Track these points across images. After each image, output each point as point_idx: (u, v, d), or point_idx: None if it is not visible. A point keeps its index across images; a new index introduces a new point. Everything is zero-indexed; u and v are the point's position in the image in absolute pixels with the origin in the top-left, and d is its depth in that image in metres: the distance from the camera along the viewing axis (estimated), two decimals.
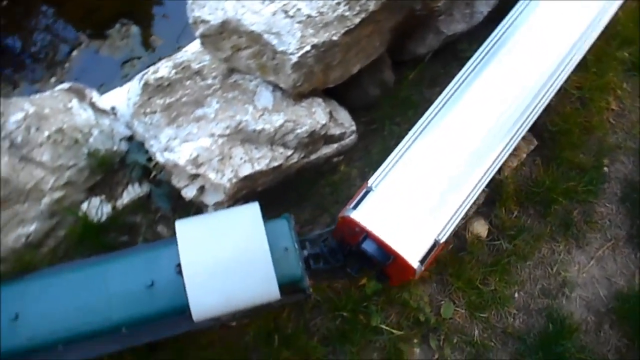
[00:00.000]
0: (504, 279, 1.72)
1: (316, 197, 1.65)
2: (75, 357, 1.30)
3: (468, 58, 1.84)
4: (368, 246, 1.30)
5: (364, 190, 1.32)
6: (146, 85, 1.60)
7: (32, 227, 1.43)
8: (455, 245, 1.72)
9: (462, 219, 1.71)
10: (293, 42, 1.23)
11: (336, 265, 1.47)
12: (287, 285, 1.28)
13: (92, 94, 1.60)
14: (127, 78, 1.99)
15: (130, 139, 1.59)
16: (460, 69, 1.59)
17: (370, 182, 1.33)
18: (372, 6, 1.28)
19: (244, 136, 1.32)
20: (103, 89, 1.86)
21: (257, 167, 1.31)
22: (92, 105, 1.57)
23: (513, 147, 1.47)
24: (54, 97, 1.48)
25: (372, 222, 1.28)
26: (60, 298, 1.25)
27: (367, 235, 1.28)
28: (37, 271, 1.36)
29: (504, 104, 1.48)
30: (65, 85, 1.59)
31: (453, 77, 1.60)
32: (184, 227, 1.23)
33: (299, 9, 1.23)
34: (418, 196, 1.33)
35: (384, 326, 1.57)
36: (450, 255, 1.70)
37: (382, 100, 1.71)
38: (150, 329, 1.29)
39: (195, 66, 1.56)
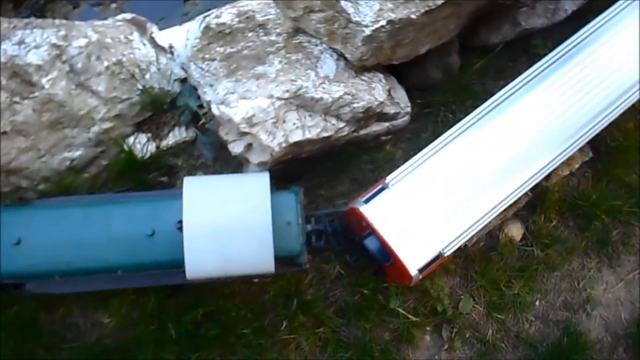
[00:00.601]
0: (528, 285, 1.70)
1: (356, 172, 1.63)
2: (70, 289, 1.34)
3: (539, 55, 1.75)
4: (371, 243, 1.28)
5: (379, 186, 1.28)
6: (207, 29, 1.57)
7: (77, 153, 1.45)
8: (486, 243, 1.70)
9: (498, 219, 1.69)
10: (369, 14, 1.18)
11: (336, 248, 1.46)
12: (284, 259, 1.29)
13: (153, 28, 1.58)
14: (187, 17, 1.95)
15: (183, 81, 1.58)
16: (529, 66, 1.52)
17: (388, 178, 1.28)
18: None
19: (300, 102, 1.29)
20: (162, 23, 1.83)
21: (308, 135, 1.29)
22: (152, 41, 1.55)
23: (560, 161, 1.40)
24: (116, 27, 1.47)
25: (380, 220, 1.25)
26: (63, 231, 1.27)
27: (372, 231, 1.26)
28: (46, 199, 1.37)
29: (566, 114, 1.40)
30: (128, 16, 1.57)
31: (519, 72, 1.53)
32: (191, 185, 1.22)
33: None
34: (433, 203, 1.28)
35: (401, 310, 1.58)
36: (480, 252, 1.68)
37: (442, 84, 1.65)
38: (145, 275, 1.31)
39: (259, 18, 1.52)
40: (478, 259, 1.67)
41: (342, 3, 1.18)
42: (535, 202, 1.72)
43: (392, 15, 1.18)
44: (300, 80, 1.28)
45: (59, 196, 1.47)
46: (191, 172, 1.60)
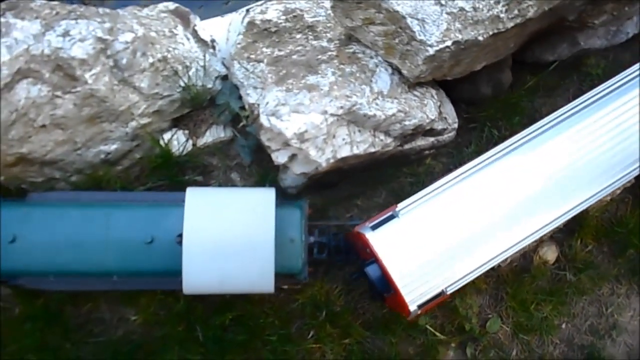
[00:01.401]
0: (557, 309, 1.69)
1: (394, 184, 1.60)
2: (64, 287, 1.31)
3: (591, 75, 1.70)
4: (372, 271, 1.23)
5: (389, 214, 1.22)
6: (251, 24, 1.51)
7: (113, 146, 1.41)
8: (519, 264, 1.68)
9: (531, 245, 1.66)
10: (435, 34, 1.12)
11: (336, 263, 1.42)
12: (284, 275, 1.26)
13: (196, 21, 1.52)
14: (228, 6, 1.88)
15: (224, 78, 1.53)
16: (579, 85, 1.46)
17: (399, 207, 1.23)
18: (531, 13, 1.14)
19: (352, 118, 1.24)
20: (201, 12, 1.77)
21: (356, 151, 1.24)
22: (195, 34, 1.49)
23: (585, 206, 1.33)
24: (161, 19, 1.41)
25: (385, 250, 1.20)
26: (60, 230, 1.23)
27: (375, 260, 1.21)
28: (45, 194, 1.33)
29: (611, 151, 1.33)
30: (171, 5, 1.51)
31: (569, 91, 1.48)
32: (194, 197, 1.19)
33: None
34: (443, 239, 1.22)
35: (428, 326, 1.57)
36: (512, 273, 1.66)
37: (490, 99, 1.60)
38: (142, 280, 1.29)
39: (308, 18, 1.46)
40: (510, 280, 1.65)
41: (409, 20, 1.12)
42: (574, 226, 1.69)
43: (459, 36, 1.12)
44: (355, 96, 1.23)
45: (89, 189, 1.45)
46: (226, 173, 1.56)
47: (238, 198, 1.24)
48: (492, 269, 1.65)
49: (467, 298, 1.62)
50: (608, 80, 1.37)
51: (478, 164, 1.27)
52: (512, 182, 1.27)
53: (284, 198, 1.43)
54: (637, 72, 1.34)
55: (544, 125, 1.30)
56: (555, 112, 1.32)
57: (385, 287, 1.23)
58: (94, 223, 1.24)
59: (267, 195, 1.21)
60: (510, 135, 1.35)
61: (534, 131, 1.29)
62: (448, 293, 1.24)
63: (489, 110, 1.61)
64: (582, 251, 1.70)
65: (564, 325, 1.72)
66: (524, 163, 1.29)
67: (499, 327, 1.66)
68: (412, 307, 1.21)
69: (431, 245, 1.22)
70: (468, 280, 1.26)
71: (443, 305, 1.61)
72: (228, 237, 1.17)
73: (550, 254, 1.68)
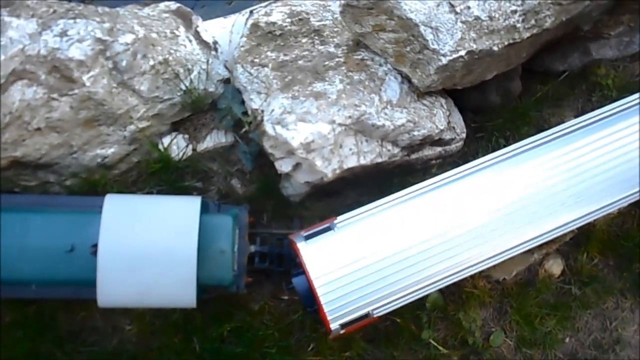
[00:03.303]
0: (561, 323, 1.66)
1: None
2: None
3: (600, 85, 1.67)
4: (299, 283, 1.18)
5: (325, 225, 1.16)
6: (255, 27, 1.47)
7: (110, 150, 1.37)
8: (525, 277, 1.65)
9: (539, 254, 1.62)
10: (449, 43, 1.08)
11: (276, 271, 1.38)
12: (213, 287, 1.22)
13: (198, 22, 1.47)
14: (231, 6, 1.83)
15: (226, 81, 1.48)
16: (588, 95, 1.43)
17: (338, 219, 1.17)
18: (548, 23, 1.11)
19: (360, 127, 1.20)
20: (203, 12, 1.72)
21: (362, 161, 1.20)
22: (197, 36, 1.44)
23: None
24: (162, 20, 1.36)
25: (314, 264, 1.13)
26: None
27: (303, 272, 1.16)
28: None
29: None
30: (172, 5, 1.46)
31: (578, 101, 1.45)
32: (113, 205, 1.13)
33: (468, 7, 1.06)
34: (377, 260, 1.15)
35: (432, 341, 1.53)
36: (517, 286, 1.63)
37: (498, 109, 1.57)
38: (64, 290, 1.23)
39: (314, 22, 1.42)
40: (514, 293, 1.62)
41: (422, 28, 1.08)
42: (580, 239, 1.66)
43: (474, 46, 1.08)
44: (364, 105, 1.19)
45: (85, 193, 1.40)
46: (226, 179, 1.52)
47: (160, 207, 1.19)
48: (497, 281, 1.62)
49: (471, 311, 1.59)
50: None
51: (430, 185, 1.21)
52: (460, 209, 1.19)
53: (226, 205, 1.37)
54: None
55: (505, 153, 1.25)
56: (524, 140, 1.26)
57: (309, 302, 1.18)
58: (12, 228, 1.16)
59: (191, 204, 1.15)
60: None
61: (491, 159, 1.24)
62: (375, 316, 1.17)
63: (497, 119, 1.58)
64: (587, 264, 1.68)
65: (567, 340, 1.70)
66: (472, 190, 1.21)
67: (502, 341, 1.63)
68: (334, 326, 1.15)
69: (364, 264, 1.15)
70: (398, 306, 1.20)
71: (447, 317, 1.58)
72: (147, 248, 1.12)
73: (555, 267, 1.65)
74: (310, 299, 1.16)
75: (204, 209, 1.25)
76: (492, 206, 1.20)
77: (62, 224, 1.18)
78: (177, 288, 1.12)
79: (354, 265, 1.15)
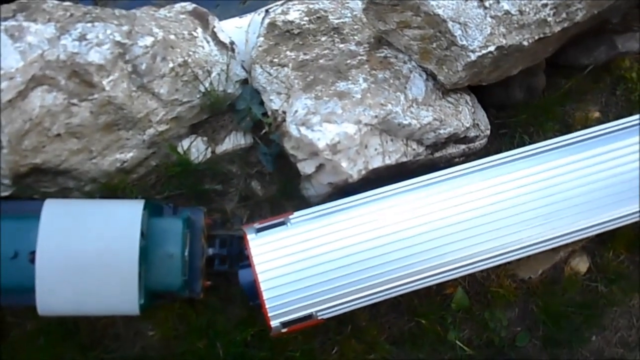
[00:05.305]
0: (588, 321, 1.63)
1: None
2: None
3: (624, 78, 1.64)
4: (244, 276, 1.14)
5: (280, 220, 1.13)
6: (272, 25, 1.44)
7: (129, 155, 1.35)
8: (550, 276, 1.62)
9: (565, 252, 1.59)
10: (478, 39, 1.05)
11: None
12: (164, 293, 1.19)
13: (215, 22, 1.45)
14: (246, 5, 1.80)
15: (244, 82, 1.46)
16: (612, 89, 1.40)
17: (294, 215, 1.13)
18: (579, 17, 1.07)
19: (385, 127, 1.18)
20: (218, 11, 1.70)
21: (387, 161, 1.18)
22: (214, 36, 1.42)
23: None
24: (179, 21, 1.34)
25: (262, 256, 1.09)
26: None
27: (249, 265, 1.12)
28: None
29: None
30: (189, 6, 1.44)
31: (602, 95, 1.41)
32: (52, 210, 1.09)
33: (497, 1, 1.03)
34: (329, 261, 1.10)
35: (458, 342, 1.51)
36: (543, 285, 1.60)
37: (521, 104, 1.54)
38: (10, 297, 1.18)
39: (333, 20, 1.39)
40: (540, 292, 1.59)
41: (450, 24, 1.05)
42: (605, 236, 1.62)
43: (503, 41, 1.05)
44: (390, 104, 1.16)
45: (105, 197, 1.38)
46: (246, 181, 1.50)
47: (102, 211, 1.15)
48: (522, 280, 1.59)
49: (497, 311, 1.57)
50: None
51: (398, 188, 1.17)
52: (426, 215, 1.14)
53: (182, 208, 1.33)
54: None
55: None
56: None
57: (252, 296, 1.14)
58: None
59: (133, 208, 1.12)
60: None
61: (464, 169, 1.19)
62: (319, 318, 1.13)
63: (520, 115, 1.55)
64: (614, 262, 1.65)
65: (593, 338, 1.67)
66: (438, 198, 1.16)
67: (528, 340, 1.60)
68: (274, 323, 1.11)
69: (313, 263, 1.10)
70: (345, 309, 1.15)
71: (472, 318, 1.55)
72: (88, 254, 1.09)
73: (581, 264, 1.62)
74: (253, 293, 1.12)
75: (156, 212, 1.23)
76: (452, 213, 1.14)
77: (6, 229, 1.14)
78: (119, 295, 1.09)
79: (303, 264, 1.10)
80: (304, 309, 1.11)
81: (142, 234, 1.13)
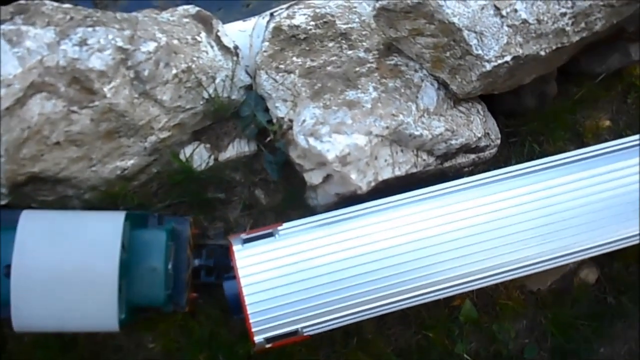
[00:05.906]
0: (597, 333, 1.61)
1: None
2: None
3: (637, 86, 1.61)
4: (229, 288, 1.10)
5: (267, 231, 1.09)
6: (277, 30, 1.40)
7: (130, 162, 1.31)
8: (559, 286, 1.59)
9: (574, 263, 1.57)
10: (495, 48, 1.01)
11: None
12: (145, 307, 1.16)
13: (219, 26, 1.41)
14: (249, 8, 1.76)
15: (248, 87, 1.42)
16: (624, 97, 1.37)
17: (283, 226, 1.09)
18: (598, 26, 1.04)
19: (396, 137, 1.14)
20: (220, 14, 1.66)
21: (397, 172, 1.14)
22: (218, 41, 1.38)
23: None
24: (183, 25, 1.30)
25: (247, 269, 1.05)
26: None
27: (234, 277, 1.08)
28: None
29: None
30: (192, 10, 1.40)
31: (613, 102, 1.38)
32: (29, 222, 1.05)
33: (515, 10, 1.00)
34: (317, 275, 1.06)
35: (465, 355, 1.48)
36: (552, 296, 1.57)
37: (531, 112, 1.50)
38: None
39: (340, 25, 1.35)
40: (549, 304, 1.57)
41: (465, 33, 1.02)
42: None
43: (520, 51, 1.02)
44: (401, 115, 1.12)
45: (105, 205, 1.34)
46: (250, 189, 1.46)
47: (81, 223, 1.12)
48: (531, 292, 1.56)
49: (505, 323, 1.54)
50: None
51: (393, 202, 1.13)
52: (417, 231, 1.10)
53: (168, 217, 1.29)
54: None
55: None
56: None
57: (236, 309, 1.10)
58: None
59: (114, 220, 1.09)
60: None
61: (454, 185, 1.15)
62: (305, 334, 1.09)
63: (530, 123, 1.51)
64: (623, 273, 1.62)
65: (602, 349, 1.64)
66: (432, 213, 1.12)
67: (537, 352, 1.57)
68: (258, 339, 1.07)
69: (300, 277, 1.06)
70: (332, 326, 1.11)
71: (480, 329, 1.53)
72: (65, 268, 1.05)
73: (591, 275, 1.60)
74: (237, 307, 1.08)
75: (139, 224, 1.19)
76: (447, 229, 1.10)
77: None
78: (98, 311, 1.05)
79: (290, 277, 1.06)
80: (290, 324, 1.06)
81: (123, 247, 1.09)
